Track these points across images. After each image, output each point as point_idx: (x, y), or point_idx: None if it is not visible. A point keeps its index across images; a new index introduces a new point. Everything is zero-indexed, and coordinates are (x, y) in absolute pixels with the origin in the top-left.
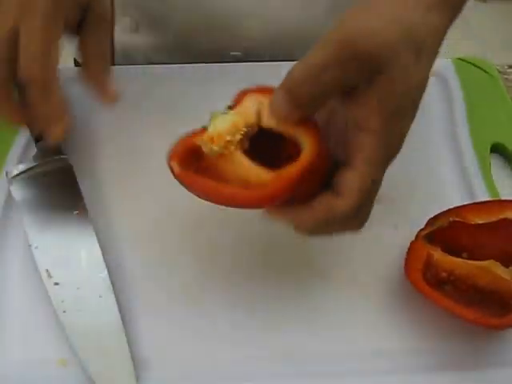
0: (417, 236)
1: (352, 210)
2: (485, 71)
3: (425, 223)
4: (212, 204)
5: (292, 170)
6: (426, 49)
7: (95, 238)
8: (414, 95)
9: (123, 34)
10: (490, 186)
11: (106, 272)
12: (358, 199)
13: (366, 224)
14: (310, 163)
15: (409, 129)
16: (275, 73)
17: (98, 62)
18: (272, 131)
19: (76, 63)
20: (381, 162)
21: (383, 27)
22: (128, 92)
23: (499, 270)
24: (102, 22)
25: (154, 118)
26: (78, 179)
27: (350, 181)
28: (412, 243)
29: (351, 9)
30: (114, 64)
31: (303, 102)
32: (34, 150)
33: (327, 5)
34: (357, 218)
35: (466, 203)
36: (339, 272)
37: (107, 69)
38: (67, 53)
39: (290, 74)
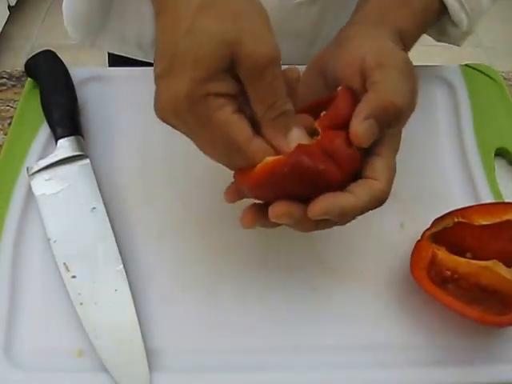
0: (422, 235)
1: (389, 190)
2: (490, 77)
3: (430, 223)
4: (226, 203)
5: (332, 107)
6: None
7: (112, 232)
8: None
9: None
10: (494, 188)
11: (121, 266)
12: (392, 180)
13: (374, 223)
14: (344, 102)
15: None
16: None
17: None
18: None
19: (110, 62)
20: (397, 151)
21: None
22: (148, 92)
23: (501, 269)
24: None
25: None
26: (96, 176)
27: (384, 167)
28: (418, 242)
29: None
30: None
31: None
32: (54, 147)
33: (320, 6)
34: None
35: (470, 205)
36: (347, 269)
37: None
38: (88, 52)
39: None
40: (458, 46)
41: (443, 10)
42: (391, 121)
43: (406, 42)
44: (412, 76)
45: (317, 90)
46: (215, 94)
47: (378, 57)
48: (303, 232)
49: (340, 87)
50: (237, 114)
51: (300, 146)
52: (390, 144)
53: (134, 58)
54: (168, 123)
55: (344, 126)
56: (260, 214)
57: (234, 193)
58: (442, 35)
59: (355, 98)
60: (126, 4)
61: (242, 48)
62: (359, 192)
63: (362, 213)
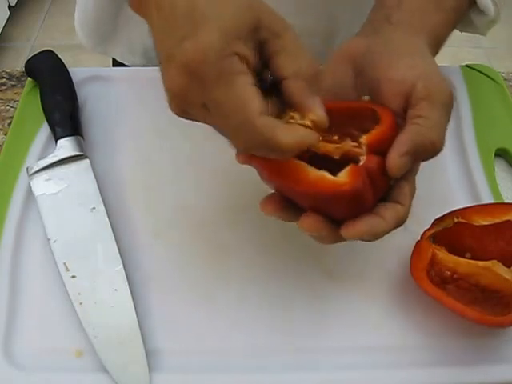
0: (422, 236)
1: (407, 213)
2: (490, 78)
3: (430, 224)
4: (226, 201)
5: (378, 131)
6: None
7: (111, 232)
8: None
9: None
10: (494, 188)
11: (121, 266)
12: (410, 205)
13: None
14: (390, 127)
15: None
16: None
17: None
18: None
19: (114, 63)
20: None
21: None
22: (148, 91)
23: (501, 270)
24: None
25: (173, 117)
26: (96, 176)
27: (409, 192)
28: (417, 243)
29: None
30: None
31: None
32: (54, 147)
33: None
34: None
35: (470, 205)
36: (348, 271)
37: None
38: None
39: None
40: (483, 35)
41: (471, 4)
42: (427, 158)
43: (439, 46)
44: (451, 110)
45: (344, 80)
46: (241, 56)
47: (428, 87)
48: (322, 243)
49: (376, 105)
50: (254, 87)
51: (357, 172)
52: (415, 168)
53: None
54: (183, 86)
55: (384, 151)
56: (282, 207)
57: (248, 158)
58: (467, 26)
59: (396, 123)
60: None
61: (265, 14)
62: (389, 217)
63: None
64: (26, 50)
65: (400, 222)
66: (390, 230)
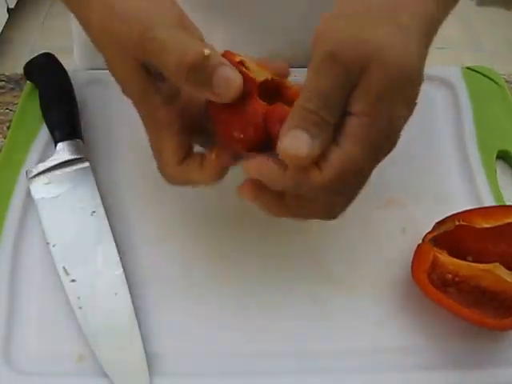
0: (424, 239)
1: (326, 185)
2: (492, 80)
3: (432, 227)
4: (225, 205)
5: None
6: (414, 33)
7: (111, 236)
8: (407, 78)
9: None
10: (496, 191)
11: (121, 270)
12: (336, 179)
13: (376, 229)
14: None
15: (405, 121)
16: None
17: None
18: None
19: None
20: (373, 142)
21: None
22: None
23: (503, 272)
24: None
25: None
26: (96, 179)
27: (334, 159)
28: (419, 246)
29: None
30: None
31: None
32: (53, 151)
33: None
34: (328, 203)
35: (472, 208)
36: (349, 274)
37: None
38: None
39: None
40: None
41: None
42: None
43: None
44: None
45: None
46: None
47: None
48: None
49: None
50: None
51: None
52: (356, 134)
53: None
54: None
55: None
56: (259, 190)
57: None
58: None
59: None
60: None
61: None
62: (291, 173)
63: (292, 190)
64: (26, 52)
65: (305, 181)
66: (290, 183)
